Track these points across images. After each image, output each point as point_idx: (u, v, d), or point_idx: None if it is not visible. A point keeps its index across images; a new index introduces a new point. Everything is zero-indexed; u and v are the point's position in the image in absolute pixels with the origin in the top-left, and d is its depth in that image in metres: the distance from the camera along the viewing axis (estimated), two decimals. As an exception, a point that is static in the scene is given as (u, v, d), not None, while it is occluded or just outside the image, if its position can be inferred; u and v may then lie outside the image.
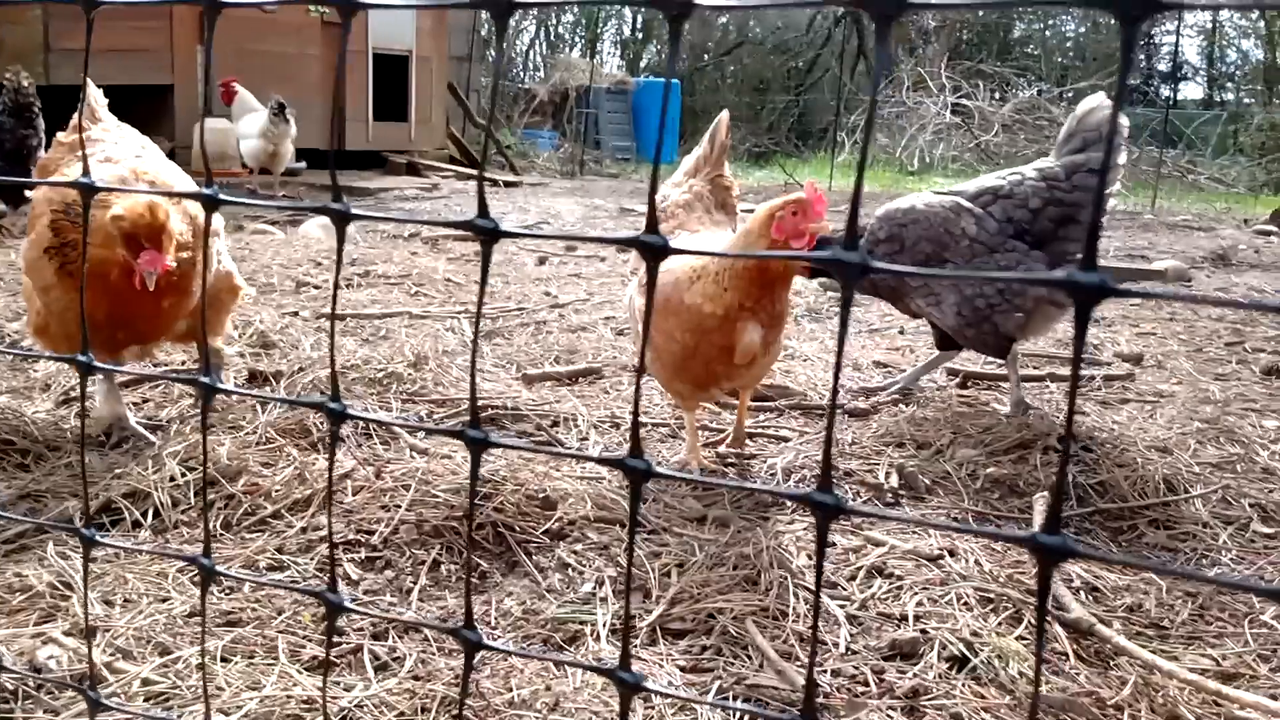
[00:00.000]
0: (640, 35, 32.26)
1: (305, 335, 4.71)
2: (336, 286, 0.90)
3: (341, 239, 0.98)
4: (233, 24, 13.44)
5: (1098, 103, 3.96)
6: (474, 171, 15.52)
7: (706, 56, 31.26)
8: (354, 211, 0.90)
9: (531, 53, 30.95)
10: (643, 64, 32.09)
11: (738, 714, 2.06)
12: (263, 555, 2.73)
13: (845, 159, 19.78)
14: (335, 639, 2.35)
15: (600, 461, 0.83)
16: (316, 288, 6.16)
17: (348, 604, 0.98)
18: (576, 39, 30.81)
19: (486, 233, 0.79)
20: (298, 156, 12.76)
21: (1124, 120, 4.00)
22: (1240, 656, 2.48)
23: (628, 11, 32.71)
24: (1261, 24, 25.15)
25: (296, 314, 5.34)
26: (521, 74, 29.01)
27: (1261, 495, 3.34)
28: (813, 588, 2.59)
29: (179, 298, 3.24)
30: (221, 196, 0.99)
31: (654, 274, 0.76)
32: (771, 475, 3.42)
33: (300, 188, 12.57)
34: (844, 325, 0.70)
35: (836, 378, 0.72)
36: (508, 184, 14.81)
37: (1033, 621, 2.48)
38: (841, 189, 16.96)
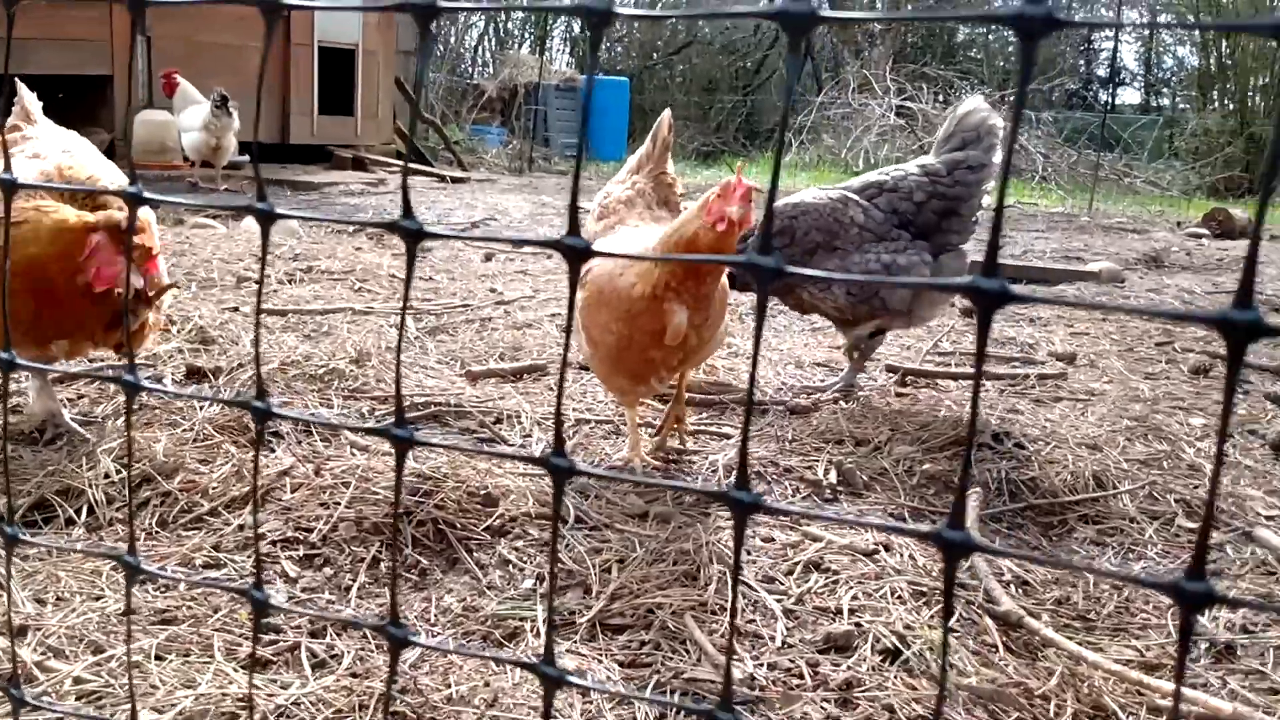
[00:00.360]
0: (589, 33, 32.17)
1: (245, 331, 4.66)
2: (261, 284, 0.91)
3: (266, 238, 0.99)
4: (175, 15, 13.24)
5: (975, 105, 4.27)
6: (421, 167, 15.43)
7: (655, 55, 31.31)
8: (278, 211, 0.91)
9: (481, 48, 30.78)
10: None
11: (674, 709, 2.08)
12: (199, 553, 2.71)
13: (792, 159, 19.93)
14: (272, 637, 2.35)
15: (524, 459, 0.85)
16: (257, 283, 6.09)
17: (274, 602, 0.99)
18: (526, 35, 30.69)
19: (410, 233, 0.81)
20: (241, 149, 12.60)
21: (1001, 123, 4.25)
22: (1163, 647, 2.55)
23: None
24: (1197, 32, 25.70)
25: (237, 309, 5.28)
26: (470, 69, 28.84)
27: (1186, 491, 3.43)
28: (750, 583, 2.63)
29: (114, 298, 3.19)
30: (146, 195, 0.99)
31: (575, 274, 0.77)
32: (713, 472, 3.46)
33: (243, 181, 12.41)
34: (759, 325, 0.72)
35: (753, 378, 0.74)
36: (455, 180, 14.72)
37: (963, 614, 2.54)
38: (786, 187, 17.09)
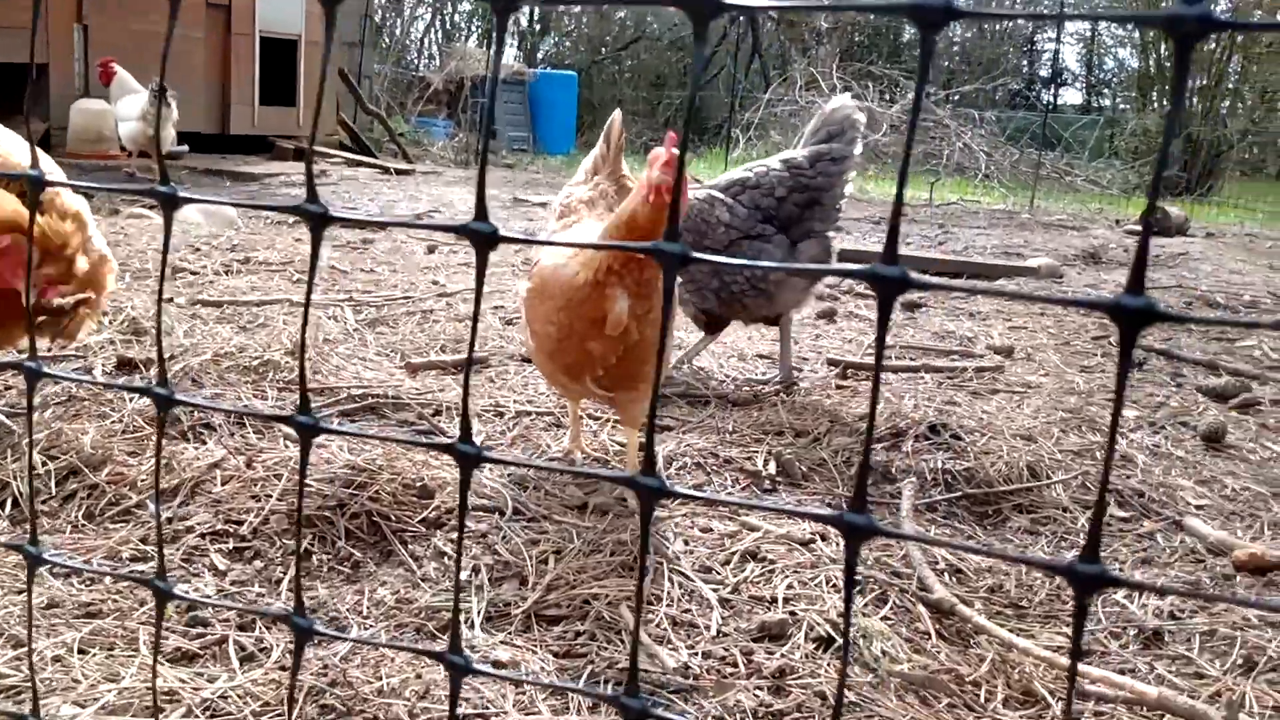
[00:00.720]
0: (538, 27, 32.11)
1: (179, 322, 4.57)
2: (164, 269, 0.88)
3: (169, 224, 0.96)
4: (115, 3, 12.99)
5: (842, 102, 4.44)
6: (365, 158, 15.27)
7: (604, 50, 31.27)
8: (181, 195, 0.89)
9: (427, 40, 30.54)
10: (540, 55, 31.95)
11: (581, 694, 2.08)
12: (126, 546, 2.65)
13: (740, 155, 19.98)
14: (199, 630, 2.31)
15: (430, 447, 0.83)
16: (194, 274, 6.00)
17: (176, 591, 0.96)
18: (473, 28, 30.50)
19: (315, 218, 0.79)
20: (180, 140, 12.40)
21: (860, 115, 4.40)
22: (1093, 634, 2.59)
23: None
24: (1137, 34, 26.19)
25: (171, 300, 5.19)
26: (417, 61, 28.59)
27: (1119, 481, 3.49)
28: (686, 573, 2.63)
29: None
30: (48, 179, 0.96)
31: (484, 261, 0.76)
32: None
33: (181, 171, 12.20)
34: (668, 313, 0.72)
35: (659, 371, 0.73)
36: (399, 172, 14.58)
37: (897, 602, 2.56)
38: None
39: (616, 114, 3.58)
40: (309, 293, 0.83)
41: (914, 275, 0.66)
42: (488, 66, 21.57)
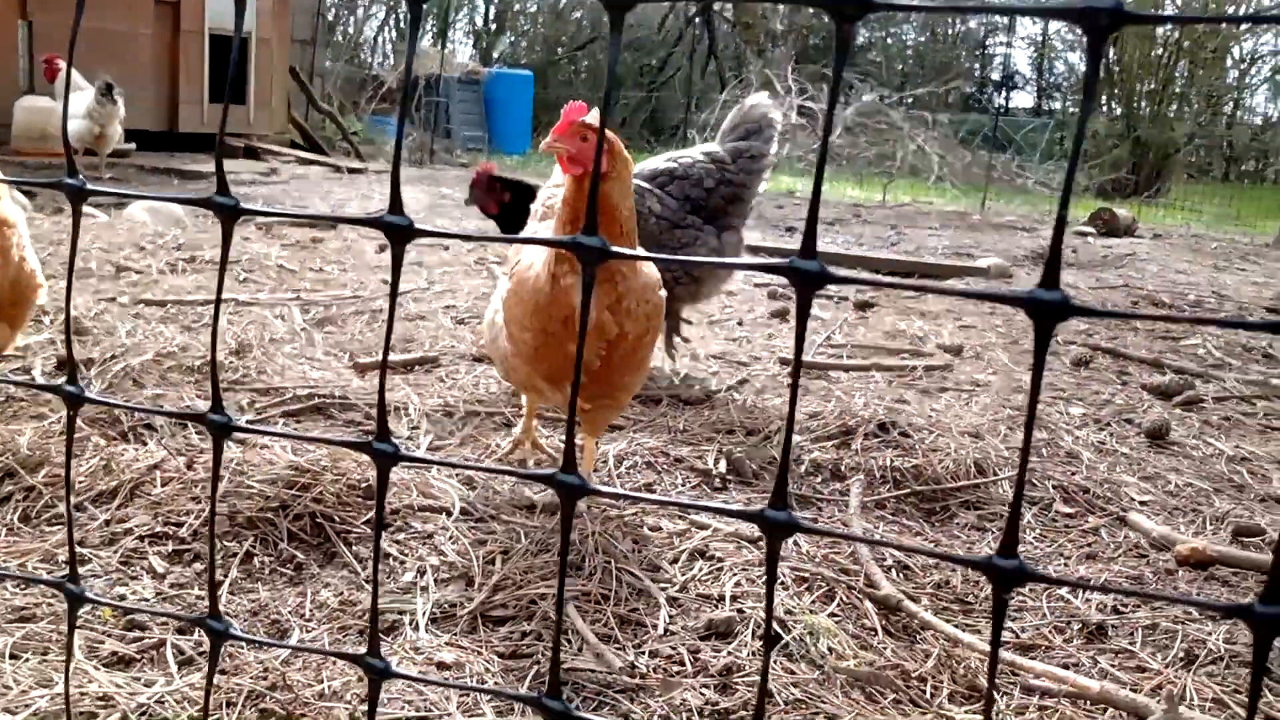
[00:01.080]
0: (494, 26, 31.98)
1: (121, 322, 4.49)
2: (72, 264, 0.85)
3: (77, 216, 0.93)
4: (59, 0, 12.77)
5: (759, 100, 4.53)
6: (317, 157, 15.11)
7: (560, 50, 31.20)
8: (89, 187, 0.86)
9: (380, 39, 30.31)
10: (495, 55, 31.79)
11: (528, 702, 2.06)
12: (62, 549, 2.60)
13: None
14: (136, 634, 2.26)
15: (348, 446, 0.81)
16: (138, 273, 5.89)
17: (89, 595, 0.94)
18: (428, 27, 30.29)
19: (226, 210, 0.77)
20: (127, 138, 12.20)
21: (778, 115, 4.50)
22: (1038, 629, 2.61)
23: (480, 1, 32.38)
24: (1085, 38, 26.56)
25: (114, 299, 5.10)
26: (370, 60, 28.36)
27: (1064, 478, 3.52)
28: (635, 571, 2.62)
29: None
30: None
31: (399, 256, 0.74)
32: (604, 462, 3.44)
33: (129, 169, 12.00)
34: (585, 308, 0.70)
35: (579, 368, 0.72)
36: (352, 170, 14.44)
37: (844, 599, 2.56)
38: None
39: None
40: (220, 287, 0.81)
41: (831, 270, 0.65)
42: (442, 65, 21.45)
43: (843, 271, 6.03)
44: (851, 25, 0.62)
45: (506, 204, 4.65)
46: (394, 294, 0.77)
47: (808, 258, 0.65)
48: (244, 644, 2.22)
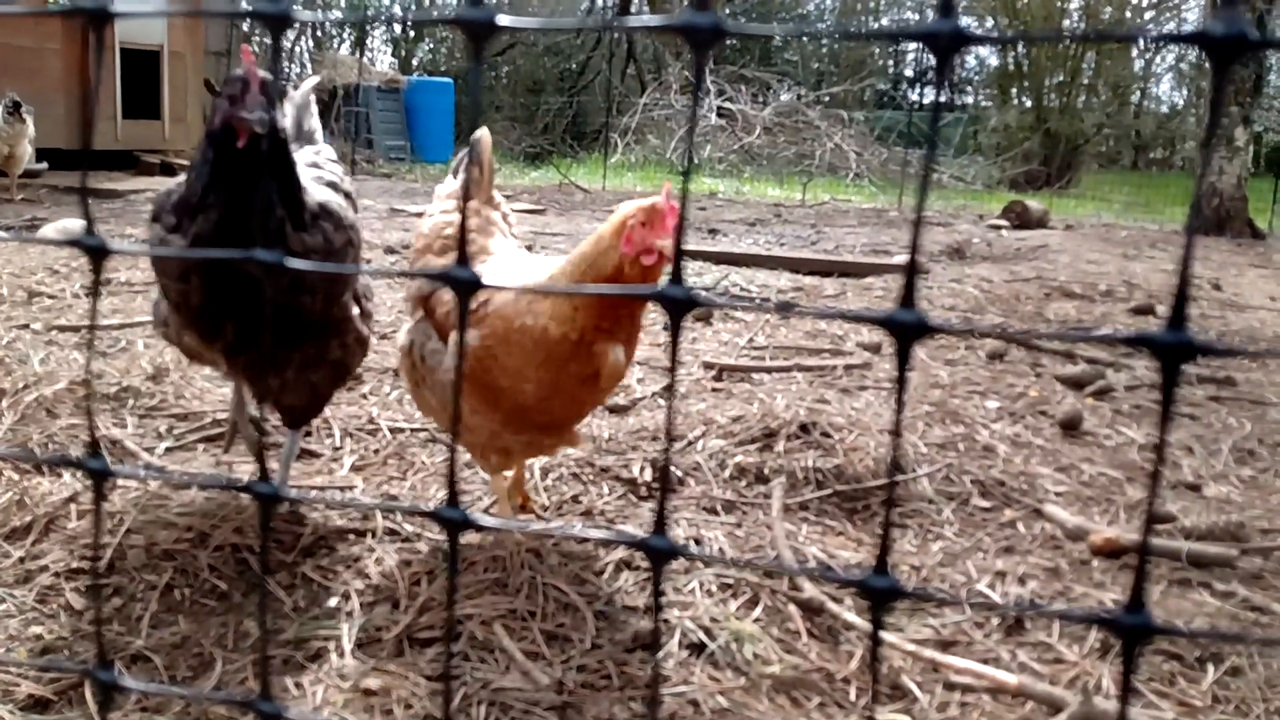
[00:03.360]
0: (412, 33, 31.71)
1: (35, 350, 4.38)
2: (92, 330, 0.84)
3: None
4: (-45, 14, 12.39)
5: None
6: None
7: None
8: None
9: (298, 49, 29.87)
10: (415, 62, 31.55)
11: None
12: (-30, 592, 2.53)
13: (619, 160, 20.07)
14: (54, 675, 2.21)
15: (226, 488, 0.81)
16: (52, 298, 5.75)
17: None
18: (344, 35, 29.95)
19: (94, 251, 0.77)
20: (39, 157, 11.89)
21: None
22: (958, 625, 2.67)
23: (398, 9, 32.09)
24: (995, 33, 27.13)
25: (27, 326, 4.98)
26: (288, 70, 27.91)
27: (981, 472, 3.61)
28: (561, 586, 2.62)
29: None
30: None
31: (278, 290, 0.75)
32: (530, 476, 3.44)
33: (41, 190, 11.70)
34: (463, 331, 0.72)
35: (459, 379, 0.73)
36: (271, 185, 14.21)
37: (768, 603, 2.60)
38: (615, 189, 17.22)
39: (483, 133, 3.20)
40: (91, 330, 0.80)
41: (698, 294, 0.67)
42: (360, 74, 21.22)
43: (764, 274, 6.06)
44: (705, 51, 0.64)
45: (254, 140, 2.54)
46: (265, 322, 0.77)
47: (676, 283, 0.67)
48: (167, 679, 2.19)
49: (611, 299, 2.53)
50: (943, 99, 0.65)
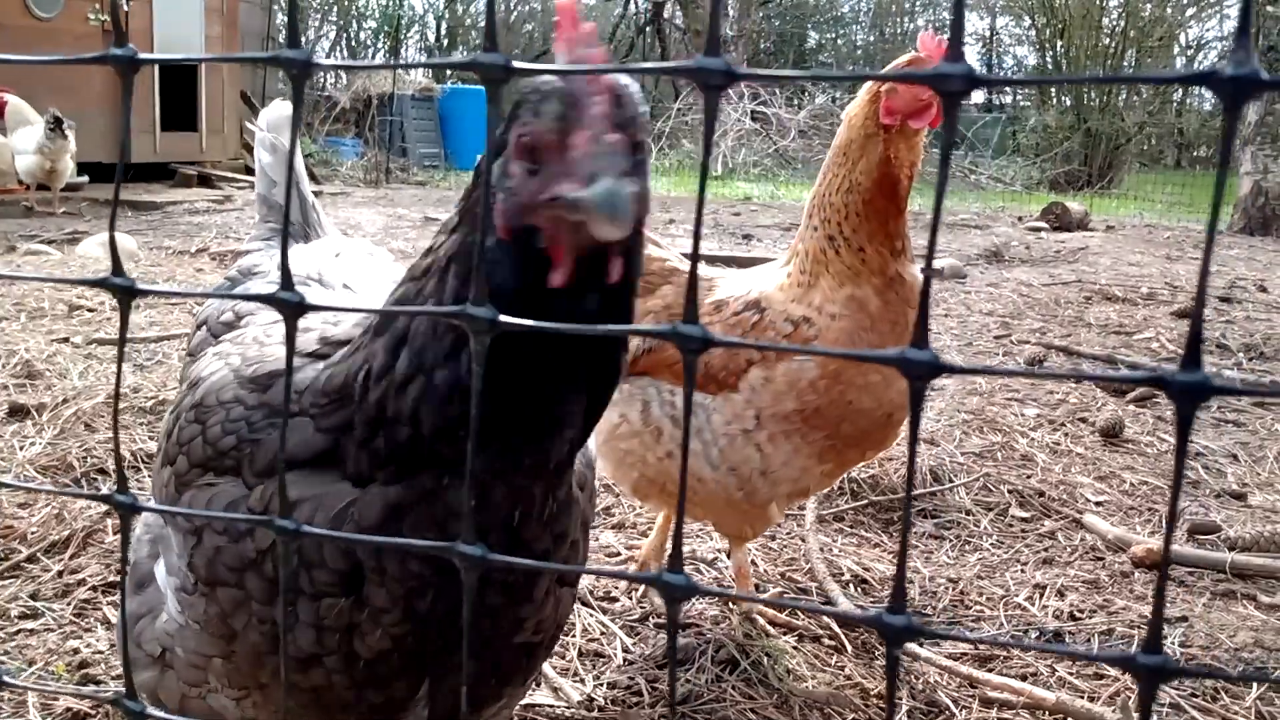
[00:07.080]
0: (445, 42, 31.93)
1: (74, 364, 4.44)
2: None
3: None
4: (8, 33, 12.62)
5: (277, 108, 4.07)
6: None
7: (513, 63, 31.07)
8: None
9: (332, 59, 30.15)
10: (449, 72, 31.74)
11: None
12: (15, 603, 2.56)
13: (653, 164, 20.00)
14: (93, 688, 2.24)
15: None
16: (91, 311, 5.83)
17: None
18: (379, 45, 30.21)
19: (121, 291, 0.77)
20: (80, 170, 12.08)
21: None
22: (995, 640, 2.63)
23: (431, 19, 32.34)
24: (1032, 32, 26.91)
25: (67, 340, 5.04)
26: (323, 80, 28.22)
27: (1019, 481, 3.56)
28: (591, 601, 2.62)
29: None
30: None
31: (291, 331, 0.74)
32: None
33: (82, 203, 11.87)
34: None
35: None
36: (308, 195, 14.34)
37: (802, 619, 2.57)
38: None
39: None
40: (119, 371, 0.80)
41: (713, 334, 0.65)
42: (395, 84, 21.38)
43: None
44: (717, 95, 0.63)
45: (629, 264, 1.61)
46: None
47: (690, 322, 0.65)
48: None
49: (879, 209, 2.32)
50: (953, 141, 0.64)
